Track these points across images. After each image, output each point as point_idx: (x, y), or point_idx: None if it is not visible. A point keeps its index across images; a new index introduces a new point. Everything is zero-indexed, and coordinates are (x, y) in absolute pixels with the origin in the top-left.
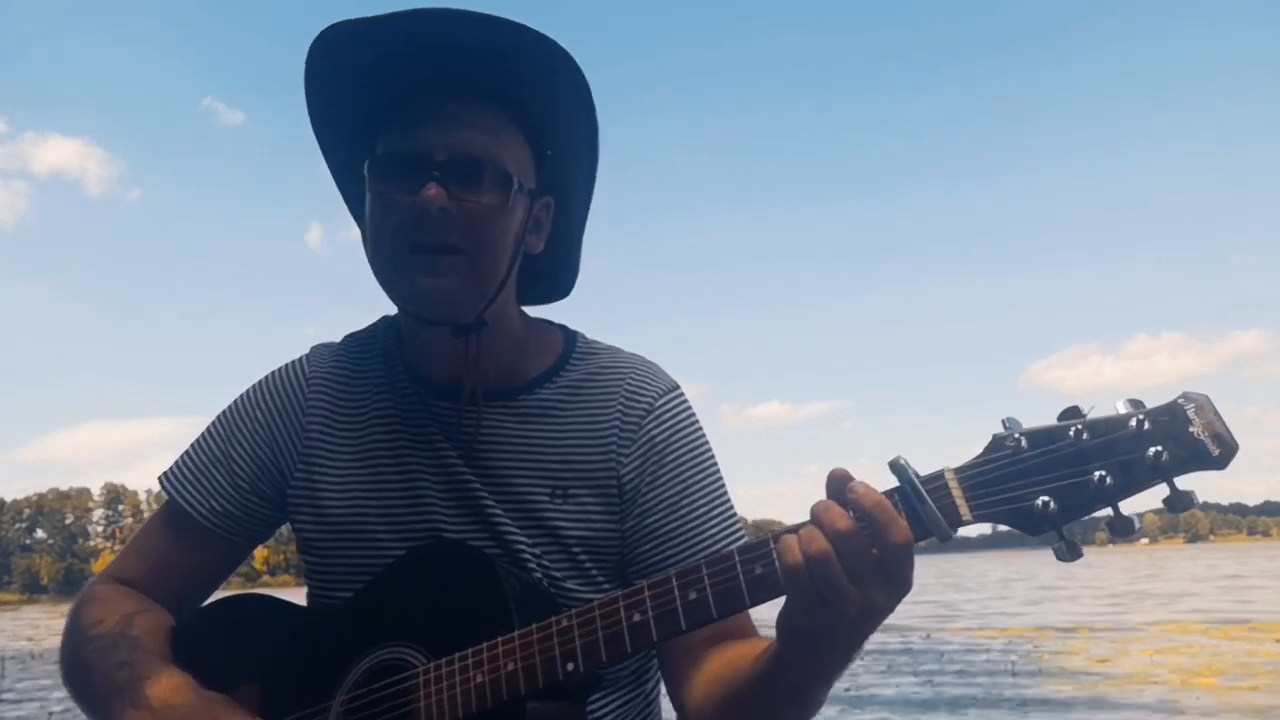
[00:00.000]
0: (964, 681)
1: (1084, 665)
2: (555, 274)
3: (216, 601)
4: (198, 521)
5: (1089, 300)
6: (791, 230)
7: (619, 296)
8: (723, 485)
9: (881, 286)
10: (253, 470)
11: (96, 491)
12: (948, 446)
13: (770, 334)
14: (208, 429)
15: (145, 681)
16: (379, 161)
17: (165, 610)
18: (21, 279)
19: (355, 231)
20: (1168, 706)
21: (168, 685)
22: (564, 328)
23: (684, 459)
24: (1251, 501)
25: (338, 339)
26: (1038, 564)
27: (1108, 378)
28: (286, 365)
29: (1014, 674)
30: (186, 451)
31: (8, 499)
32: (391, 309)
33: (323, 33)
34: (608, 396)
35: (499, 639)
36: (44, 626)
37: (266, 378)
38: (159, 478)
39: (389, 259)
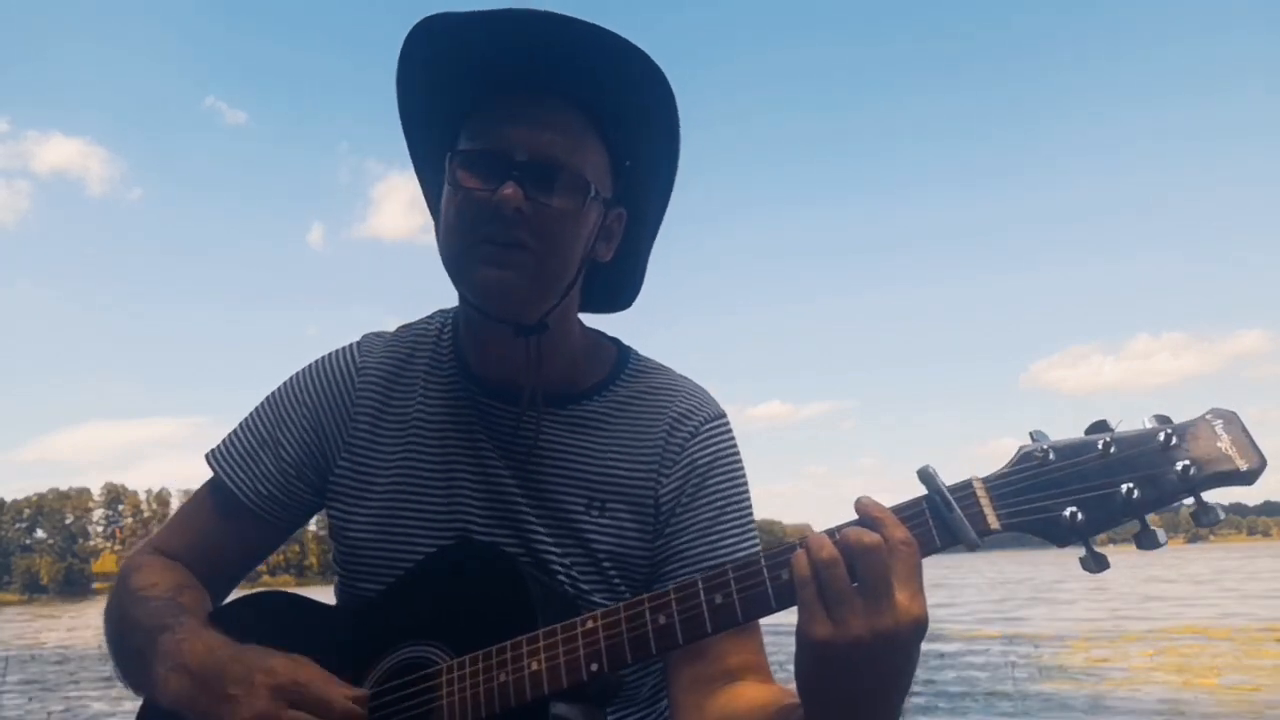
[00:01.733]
0: (964, 681)
1: (1084, 665)
2: (619, 285)
3: (241, 597)
4: (242, 503)
5: (1090, 300)
6: (792, 230)
7: None
8: (751, 516)
9: (883, 286)
10: (299, 455)
11: (96, 491)
12: (950, 446)
13: (771, 334)
14: (256, 410)
15: (186, 643)
16: (460, 156)
17: (207, 593)
18: (22, 278)
19: (357, 232)
20: (1168, 707)
21: (207, 645)
22: (618, 342)
23: (722, 486)
24: (1251, 501)
25: (339, 339)
26: (1039, 564)
27: (1108, 378)
28: (337, 351)
29: (1014, 674)
30: (234, 431)
31: (8, 499)
32: (405, 311)
33: (419, 24)
34: (656, 416)
35: (523, 638)
36: (43, 626)
37: (317, 363)
38: (206, 456)
39: (460, 250)
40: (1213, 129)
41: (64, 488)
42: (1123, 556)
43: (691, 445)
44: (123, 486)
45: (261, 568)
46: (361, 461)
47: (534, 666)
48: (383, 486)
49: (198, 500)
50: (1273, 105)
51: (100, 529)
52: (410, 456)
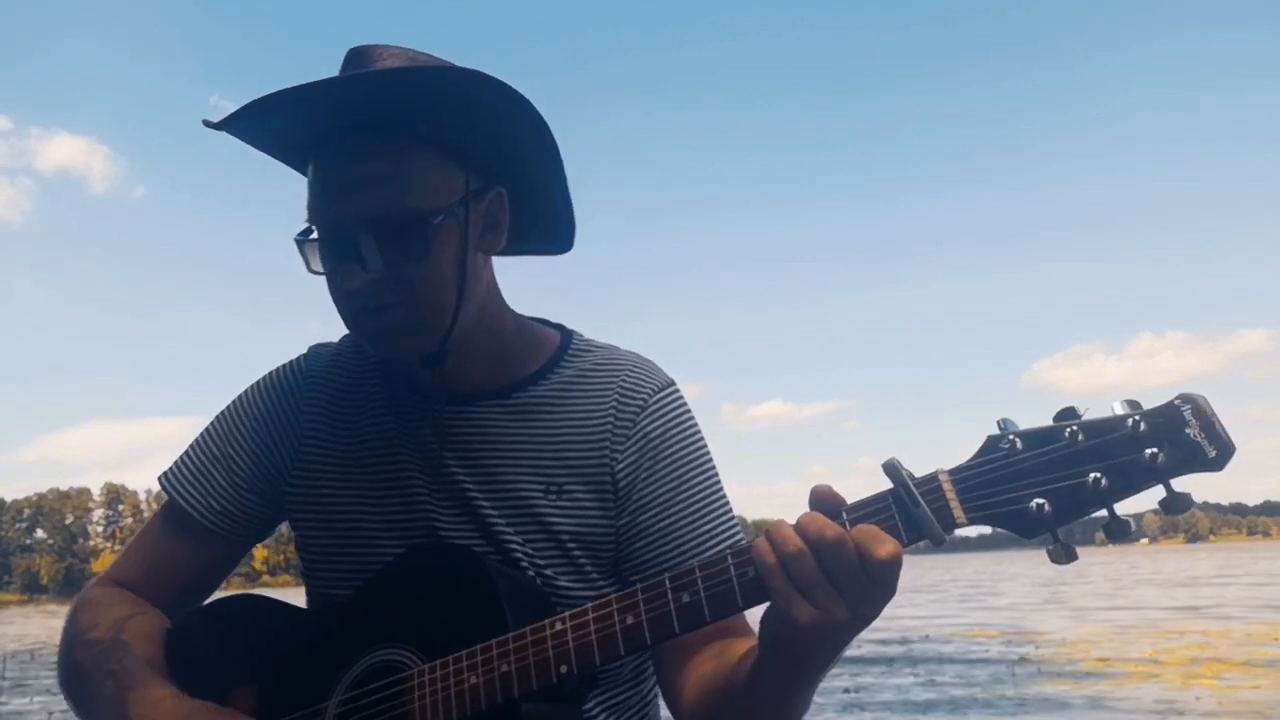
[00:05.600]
0: (964, 681)
1: (1084, 665)
2: (550, 231)
3: (211, 603)
4: (197, 521)
5: (1094, 299)
6: (794, 230)
7: (621, 296)
8: (718, 482)
9: (885, 285)
10: (251, 469)
11: (96, 491)
12: (951, 446)
13: (773, 333)
14: (207, 429)
15: (130, 693)
16: (301, 244)
17: (161, 613)
18: (24, 278)
19: None
20: (1168, 706)
21: (152, 698)
22: (561, 326)
23: (679, 456)
24: (1252, 501)
25: (339, 339)
26: (1037, 565)
27: (1111, 377)
28: (284, 365)
29: (1014, 674)
30: (186, 451)
31: (8, 499)
32: None
33: (226, 120)
34: (603, 393)
35: (493, 641)
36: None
37: (264, 377)
38: (159, 478)
39: (346, 321)
40: (1217, 128)
41: (64, 488)
42: (1123, 556)
43: (642, 418)
44: (123, 486)
45: (261, 569)
46: (316, 471)
47: (504, 669)
48: (339, 493)
49: (153, 524)
50: (1277, 105)
51: (100, 529)
52: (364, 461)
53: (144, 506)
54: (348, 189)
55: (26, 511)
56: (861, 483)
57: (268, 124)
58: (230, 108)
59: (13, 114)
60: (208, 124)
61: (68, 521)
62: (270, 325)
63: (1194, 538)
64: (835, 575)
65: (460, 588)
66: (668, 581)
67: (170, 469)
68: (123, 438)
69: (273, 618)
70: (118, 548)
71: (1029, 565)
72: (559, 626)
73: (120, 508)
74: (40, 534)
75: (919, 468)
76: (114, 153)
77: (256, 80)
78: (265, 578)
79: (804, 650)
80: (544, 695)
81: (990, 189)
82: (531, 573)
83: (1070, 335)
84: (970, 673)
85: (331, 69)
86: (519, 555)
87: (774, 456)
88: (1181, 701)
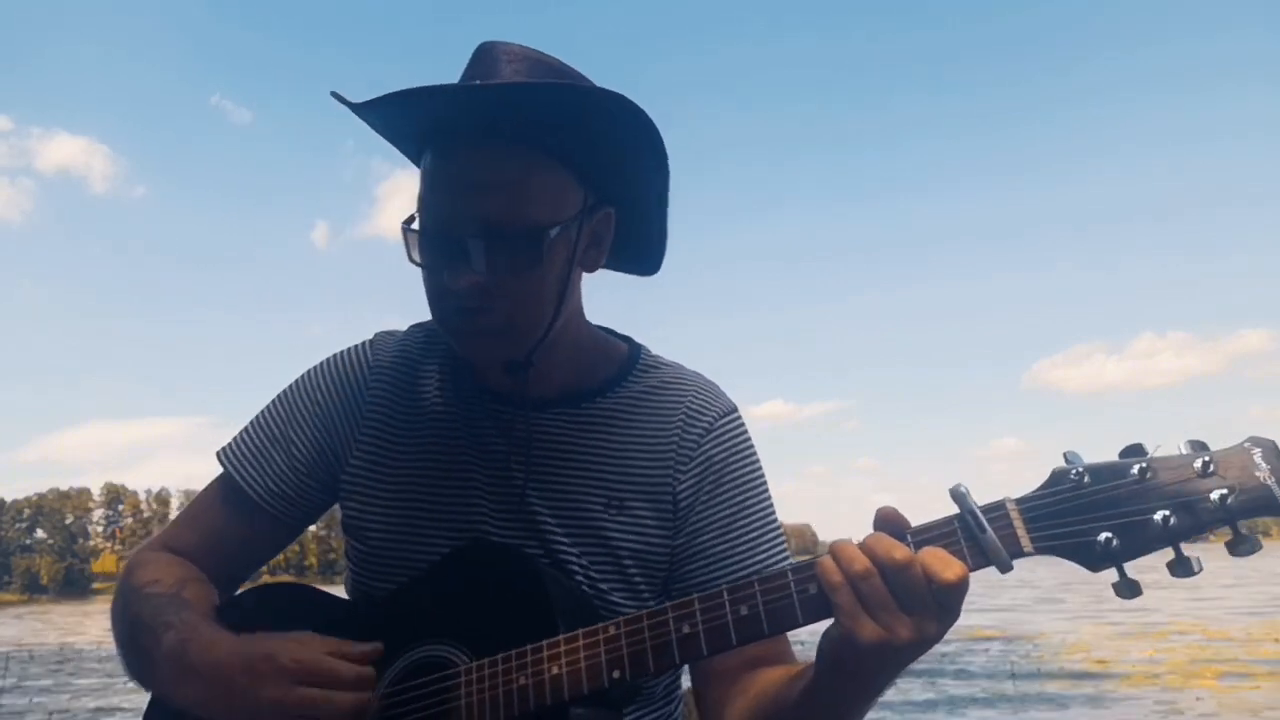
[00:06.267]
0: (964, 681)
1: (1084, 665)
2: (643, 253)
3: (254, 589)
4: (253, 500)
5: (1095, 298)
6: (794, 230)
7: (621, 296)
8: (773, 511)
9: (885, 286)
10: (310, 454)
11: (96, 491)
12: (951, 446)
13: (773, 333)
14: (267, 408)
15: (191, 643)
16: (410, 233)
17: (213, 586)
18: (23, 278)
19: (361, 231)
20: (1167, 707)
21: (210, 640)
22: (629, 339)
23: (739, 481)
24: None
25: (342, 339)
26: (1036, 565)
27: (1112, 377)
28: (349, 349)
29: (1014, 674)
30: (245, 429)
31: (8, 499)
32: (408, 311)
33: (372, 100)
34: (669, 412)
35: (544, 642)
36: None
37: (328, 360)
38: (217, 453)
39: (436, 315)
40: (1219, 128)
41: (64, 488)
42: None
43: (706, 441)
44: (123, 486)
45: (262, 567)
46: (374, 460)
47: (554, 670)
48: (396, 486)
49: (207, 497)
50: (1278, 105)
51: (100, 529)
52: (423, 456)
53: (144, 507)
54: (469, 189)
55: (26, 511)
56: (862, 483)
57: (399, 114)
58: (231, 108)
59: (13, 114)
60: (338, 98)
61: (68, 521)
62: (271, 326)
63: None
64: (901, 596)
65: (511, 589)
66: (726, 594)
67: (229, 445)
68: (123, 438)
69: (316, 607)
70: (118, 548)
71: (1028, 565)
72: (612, 631)
73: (120, 508)
74: (40, 534)
75: (919, 467)
76: (114, 153)
77: (257, 80)
78: (265, 576)
79: (863, 670)
80: (592, 700)
81: (990, 189)
82: (586, 585)
83: (1070, 335)
84: (970, 673)
85: (332, 68)
86: (574, 566)
87: (774, 456)
88: (1181, 702)
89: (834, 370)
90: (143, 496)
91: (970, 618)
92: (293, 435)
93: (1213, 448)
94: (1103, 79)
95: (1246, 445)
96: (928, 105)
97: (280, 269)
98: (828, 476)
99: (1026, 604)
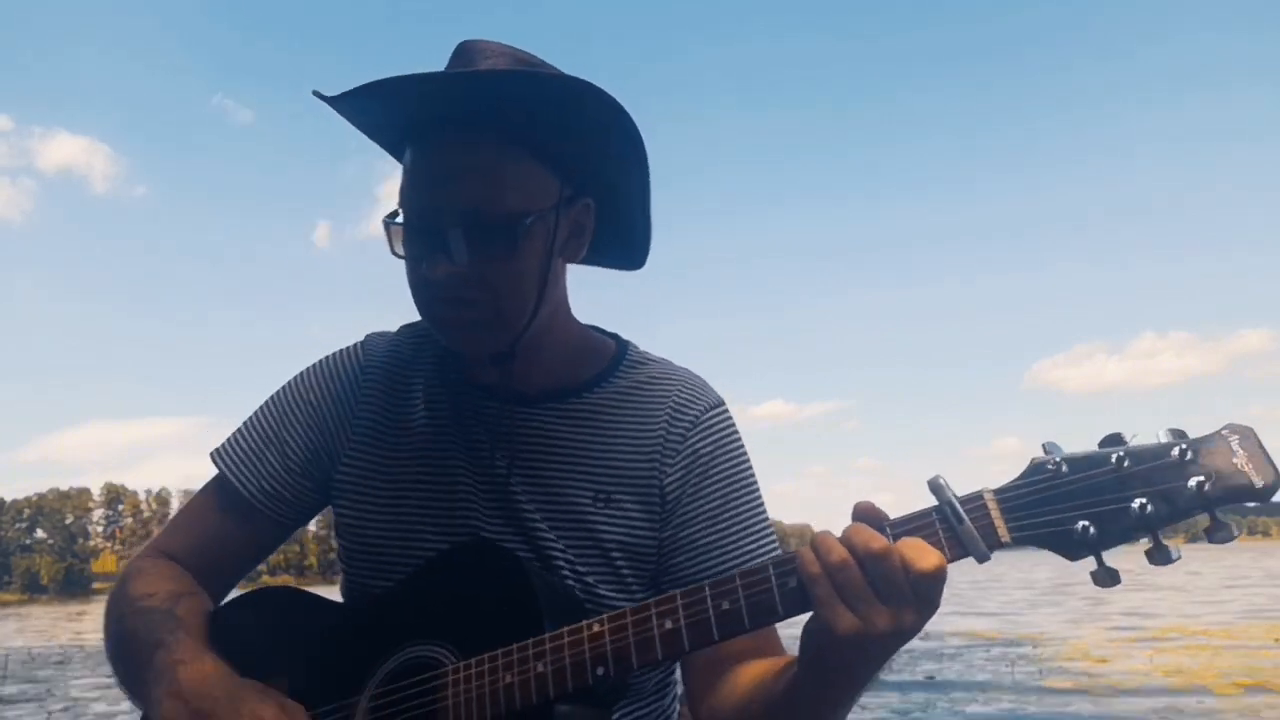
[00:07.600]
0: (964, 681)
1: (1084, 665)
2: (628, 245)
3: (246, 594)
4: (248, 501)
5: (1095, 298)
6: (794, 230)
7: (620, 297)
8: (761, 503)
9: (886, 285)
10: (304, 454)
11: (96, 491)
12: (951, 446)
13: (773, 333)
14: (260, 409)
15: (182, 666)
16: (391, 225)
17: (206, 595)
18: (23, 278)
19: (362, 231)
20: (1167, 706)
21: (202, 672)
22: (616, 336)
23: (726, 474)
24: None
25: (342, 339)
26: (1035, 565)
27: (1112, 377)
28: (341, 351)
29: (1014, 674)
30: (239, 430)
31: (8, 499)
32: (410, 312)
33: (348, 92)
34: (656, 406)
35: (529, 640)
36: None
37: (321, 362)
38: (211, 454)
39: (418, 305)
40: (1219, 128)
41: (64, 488)
42: (1123, 556)
43: (692, 435)
44: (123, 486)
45: (261, 567)
46: (366, 460)
47: (540, 669)
48: (388, 485)
49: (202, 499)
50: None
51: (100, 529)
52: (414, 455)
53: (144, 506)
54: (445, 180)
55: (26, 511)
56: (862, 483)
57: (375, 106)
58: (233, 108)
59: (14, 113)
60: (318, 95)
61: (68, 521)
62: (271, 326)
63: (1194, 537)
64: (879, 586)
65: (499, 588)
66: (708, 589)
67: (223, 446)
68: (123, 438)
69: (307, 610)
70: (118, 548)
71: (1029, 566)
72: (596, 628)
73: (120, 508)
74: (40, 534)
75: (919, 467)
76: (115, 152)
77: (258, 80)
78: (265, 576)
79: (843, 662)
80: (578, 698)
81: (991, 188)
82: (572, 580)
83: (1071, 335)
84: (970, 673)
85: (332, 68)
86: (560, 562)
87: (774, 456)
88: (1181, 701)
89: (834, 370)
90: (142, 496)
91: (970, 619)
92: (286, 436)
93: (1190, 436)
94: (1103, 79)
95: (1224, 433)
96: (928, 105)
97: (281, 269)
98: (828, 476)
99: (1026, 604)
